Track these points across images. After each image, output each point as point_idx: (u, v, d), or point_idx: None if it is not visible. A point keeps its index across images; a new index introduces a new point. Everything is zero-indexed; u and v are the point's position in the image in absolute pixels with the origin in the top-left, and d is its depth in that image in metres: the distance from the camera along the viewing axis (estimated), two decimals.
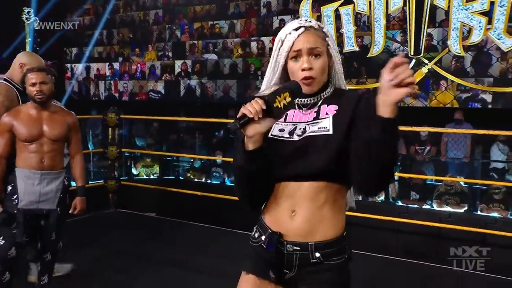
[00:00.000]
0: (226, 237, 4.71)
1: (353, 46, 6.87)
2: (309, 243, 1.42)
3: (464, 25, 5.95)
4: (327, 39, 1.45)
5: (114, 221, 5.27)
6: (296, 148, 1.41)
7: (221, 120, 6.17)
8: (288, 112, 1.47)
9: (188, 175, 6.74)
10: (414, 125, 4.55)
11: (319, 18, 7.02)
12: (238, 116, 1.29)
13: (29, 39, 8.29)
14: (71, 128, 2.91)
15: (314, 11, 7.05)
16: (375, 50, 6.69)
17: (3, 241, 2.71)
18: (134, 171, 6.85)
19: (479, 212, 4.94)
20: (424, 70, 6.28)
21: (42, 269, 2.94)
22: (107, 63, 9.17)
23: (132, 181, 6.03)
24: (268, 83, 1.50)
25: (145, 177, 6.66)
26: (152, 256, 4.04)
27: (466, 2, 5.90)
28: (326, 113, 1.43)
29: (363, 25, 6.87)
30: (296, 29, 1.42)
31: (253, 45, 7.83)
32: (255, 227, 1.55)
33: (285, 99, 1.31)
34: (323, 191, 1.42)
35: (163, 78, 8.60)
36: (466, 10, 5.95)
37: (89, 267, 3.74)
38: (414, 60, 6.35)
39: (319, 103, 1.47)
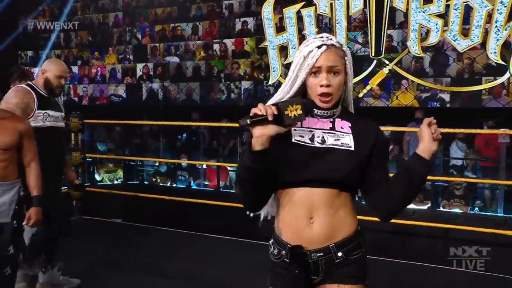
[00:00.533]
0: (195, 242, 4.68)
1: None
2: (330, 245, 1.52)
3: (422, 27, 6.13)
4: (345, 57, 1.55)
5: (79, 228, 5.12)
6: (317, 154, 1.51)
7: (185, 123, 6.12)
8: (306, 120, 1.55)
9: (154, 179, 6.64)
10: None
11: (281, 20, 7.09)
12: (250, 115, 1.38)
13: None
14: (23, 135, 2.72)
15: (276, 13, 7.10)
16: None
17: None
18: (97, 177, 6.69)
19: (441, 208, 5.09)
20: (385, 70, 6.42)
21: (1, 284, 2.76)
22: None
23: (96, 187, 5.89)
24: (283, 95, 1.57)
25: (108, 182, 6.52)
26: (120, 263, 3.96)
27: (424, 4, 6.08)
28: (342, 127, 1.57)
29: (325, 26, 6.96)
30: (319, 47, 1.50)
31: (216, 47, 7.80)
32: (270, 243, 1.62)
33: (296, 110, 1.39)
34: (337, 197, 1.53)
35: (124, 81, 8.43)
36: (423, 12, 6.13)
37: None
38: (375, 61, 6.49)
39: (334, 116, 1.59)
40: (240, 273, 3.82)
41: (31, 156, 2.80)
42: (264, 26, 7.19)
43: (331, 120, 1.57)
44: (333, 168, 1.50)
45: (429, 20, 6.06)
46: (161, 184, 6.52)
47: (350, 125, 1.57)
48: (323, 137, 1.54)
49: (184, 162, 6.62)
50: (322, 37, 1.53)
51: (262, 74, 7.45)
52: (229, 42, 7.70)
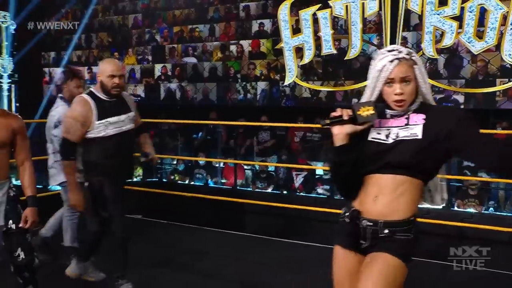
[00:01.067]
0: (213, 237, 4.79)
1: (330, 49, 7.05)
2: (380, 221, 1.79)
3: (436, 29, 6.20)
4: (415, 66, 1.78)
5: None
6: (388, 148, 1.78)
7: (204, 122, 6.23)
8: (382, 120, 1.82)
9: (172, 177, 6.79)
10: None
11: (297, 22, 7.20)
12: (331, 116, 1.75)
13: (6, 43, 8.23)
14: (16, 133, 2.60)
15: (292, 15, 7.21)
16: (352, 53, 6.89)
17: None
18: None
19: (456, 208, 5.15)
20: None
21: (24, 285, 2.69)
22: (86, 67, 9.15)
23: None
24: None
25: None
26: (141, 257, 3.99)
27: (438, 7, 6.15)
28: (415, 121, 1.79)
29: (340, 28, 7.07)
30: (391, 61, 1.76)
31: (233, 48, 7.94)
32: (343, 208, 1.91)
33: (368, 110, 1.72)
34: (402, 184, 1.77)
35: (143, 81, 8.63)
36: (438, 14, 6.20)
37: None
38: None
39: (409, 113, 1.82)
40: (257, 268, 3.91)
41: (24, 155, 2.69)
42: (280, 28, 7.31)
43: (406, 117, 1.80)
44: (399, 157, 1.74)
45: (443, 23, 6.13)
46: (179, 181, 6.67)
47: (424, 116, 1.78)
48: (397, 133, 1.78)
49: (201, 159, 6.77)
50: (393, 50, 1.77)
51: (278, 75, 7.57)
52: (246, 43, 7.84)
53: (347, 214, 1.86)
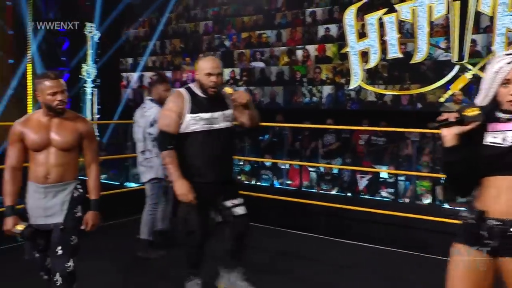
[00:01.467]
0: (281, 237, 4.92)
1: (396, 53, 7.07)
2: (508, 219, 1.80)
3: (509, 31, 6.07)
4: None
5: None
6: (506, 151, 1.81)
7: (270, 124, 6.38)
8: (498, 124, 1.85)
9: (239, 177, 7.08)
10: None
11: (363, 27, 7.27)
12: (438, 119, 1.83)
13: (91, 51, 8.93)
14: (83, 136, 2.64)
15: (358, 20, 7.30)
16: (418, 56, 6.87)
17: (37, 254, 2.65)
18: None
19: None
20: (468, 75, 6.41)
21: None
22: None
23: None
24: (480, 104, 1.90)
25: None
26: (210, 256, 4.13)
27: None
28: None
29: (407, 32, 7.06)
30: (508, 63, 1.81)
31: (299, 53, 8.14)
32: (463, 210, 1.95)
33: (473, 111, 1.78)
34: None
35: None
36: (511, 15, 6.07)
37: (160, 264, 3.89)
38: (458, 66, 6.50)
39: None
40: (330, 270, 3.93)
41: (92, 158, 2.71)
42: (346, 32, 7.41)
43: None
44: None
45: None
46: (245, 182, 6.93)
47: None
48: None
49: (267, 161, 7.00)
50: (511, 54, 1.83)
51: (344, 79, 7.68)
52: (312, 48, 8.00)
53: (471, 215, 1.89)
